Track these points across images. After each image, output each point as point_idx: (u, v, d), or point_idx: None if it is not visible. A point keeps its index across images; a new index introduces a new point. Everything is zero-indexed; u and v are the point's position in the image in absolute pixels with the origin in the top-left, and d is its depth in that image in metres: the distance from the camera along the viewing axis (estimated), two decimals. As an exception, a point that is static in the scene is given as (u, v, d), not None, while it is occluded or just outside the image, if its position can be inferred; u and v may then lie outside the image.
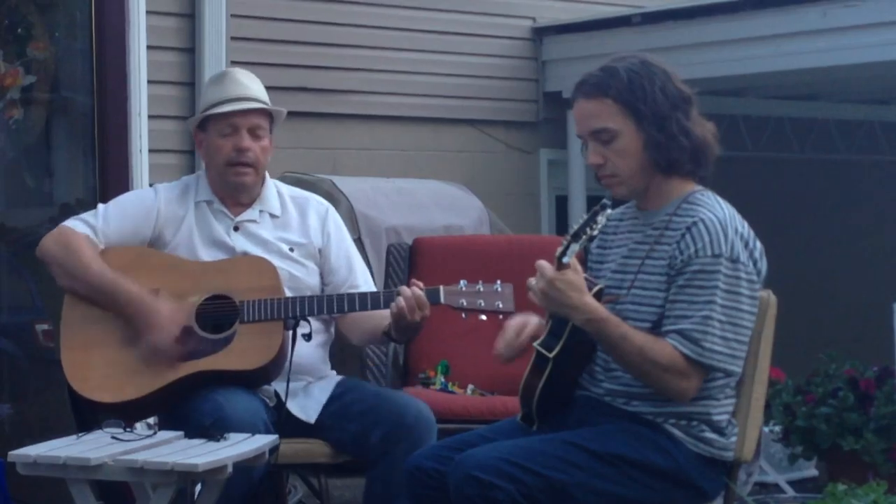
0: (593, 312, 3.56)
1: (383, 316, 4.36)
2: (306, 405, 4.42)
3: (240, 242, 4.50)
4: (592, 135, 3.69)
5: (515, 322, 3.85)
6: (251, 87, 4.52)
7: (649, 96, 3.62)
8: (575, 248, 3.54)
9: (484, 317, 4.24)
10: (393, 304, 4.23)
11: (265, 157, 4.51)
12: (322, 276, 4.56)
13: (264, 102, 4.51)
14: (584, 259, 3.80)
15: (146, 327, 4.31)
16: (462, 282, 4.25)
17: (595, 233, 3.55)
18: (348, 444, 4.38)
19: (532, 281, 3.59)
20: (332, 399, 4.43)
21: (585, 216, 3.56)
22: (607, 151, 3.67)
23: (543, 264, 3.57)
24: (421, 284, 4.26)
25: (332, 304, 4.34)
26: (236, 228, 4.52)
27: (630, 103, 3.63)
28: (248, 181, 4.49)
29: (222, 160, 4.48)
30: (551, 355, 3.67)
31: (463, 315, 4.25)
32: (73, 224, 4.50)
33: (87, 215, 4.53)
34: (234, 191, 4.50)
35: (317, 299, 4.36)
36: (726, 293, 3.57)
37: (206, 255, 4.47)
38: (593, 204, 3.60)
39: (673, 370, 3.54)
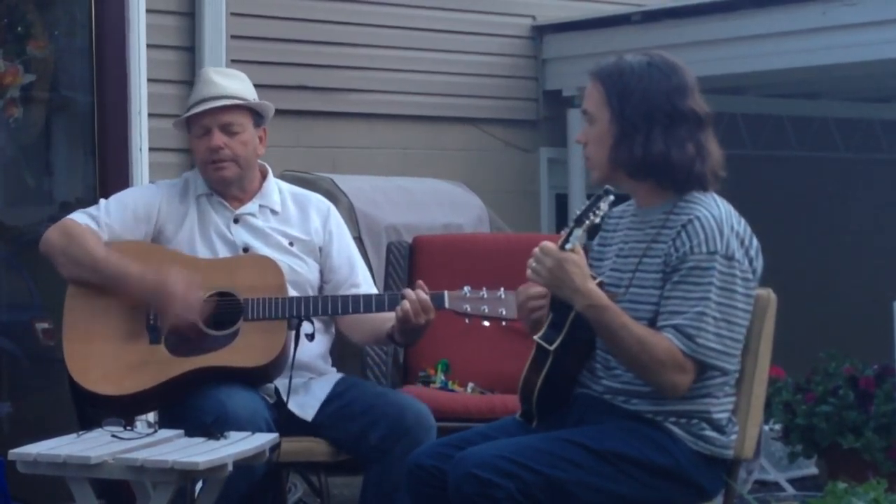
0: (597, 299, 3.57)
1: (385, 318, 4.37)
2: (305, 403, 4.42)
3: (240, 235, 4.51)
4: (582, 113, 3.76)
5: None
6: (223, 84, 4.53)
7: (628, 97, 3.64)
8: (578, 233, 3.55)
9: (487, 323, 4.25)
10: (398, 308, 4.24)
11: (246, 150, 4.51)
12: (322, 274, 4.57)
13: (235, 98, 4.51)
14: (586, 254, 3.80)
15: (166, 300, 4.30)
16: (466, 287, 4.26)
17: (598, 220, 3.56)
18: (347, 444, 4.38)
19: (534, 263, 3.59)
20: (332, 398, 4.44)
21: (588, 202, 3.58)
22: (589, 134, 3.71)
23: (550, 245, 3.58)
24: (425, 287, 4.27)
25: (336, 305, 4.36)
26: (236, 221, 4.53)
27: (610, 96, 3.66)
28: (227, 175, 4.51)
29: (200, 160, 4.53)
30: (552, 348, 3.67)
31: (466, 320, 4.27)
32: (76, 216, 4.52)
33: (89, 209, 4.55)
34: (220, 186, 4.52)
35: (321, 300, 4.37)
36: (721, 290, 3.57)
37: (208, 247, 4.49)
38: (593, 203, 3.62)
39: (669, 364, 3.54)
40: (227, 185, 4.52)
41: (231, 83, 4.54)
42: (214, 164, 4.48)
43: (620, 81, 3.66)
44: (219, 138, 4.47)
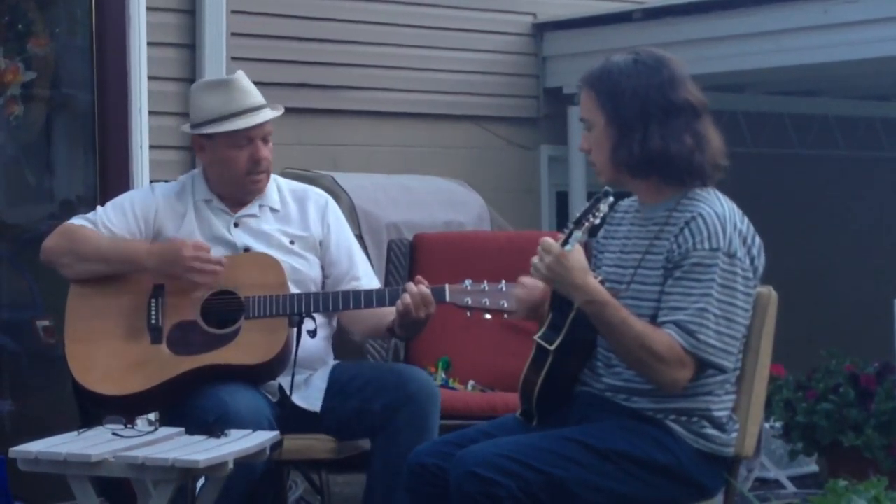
0: (597, 294, 3.57)
1: (385, 312, 4.37)
2: (309, 395, 4.43)
3: (241, 238, 4.51)
4: (580, 121, 3.77)
5: (529, 281, 3.83)
6: (255, 92, 4.55)
7: (619, 97, 3.65)
8: (577, 235, 3.56)
9: (488, 316, 4.24)
10: (399, 301, 4.25)
11: (272, 157, 4.56)
12: (323, 268, 4.57)
13: (271, 106, 4.54)
14: (588, 251, 3.80)
15: (177, 254, 4.32)
16: (467, 281, 4.26)
17: (597, 221, 3.57)
18: (352, 421, 4.38)
19: (535, 259, 3.59)
20: (332, 384, 4.45)
21: (588, 203, 3.58)
22: (590, 140, 3.72)
23: (550, 241, 3.58)
24: (426, 283, 4.27)
25: (337, 301, 4.36)
26: (237, 224, 4.53)
27: (602, 99, 3.67)
28: (263, 185, 4.55)
29: (239, 171, 4.50)
30: (552, 348, 3.67)
31: (467, 313, 4.26)
32: (73, 220, 4.53)
33: (86, 215, 4.57)
34: (249, 195, 4.53)
35: (322, 296, 4.37)
36: (722, 287, 3.57)
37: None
38: (593, 201, 3.62)
39: (668, 360, 3.55)
40: (257, 194, 4.53)
41: (255, 89, 4.57)
42: (253, 175, 4.49)
43: (610, 83, 3.66)
44: (263, 149, 4.48)
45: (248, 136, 4.48)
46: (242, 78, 4.60)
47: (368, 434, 4.37)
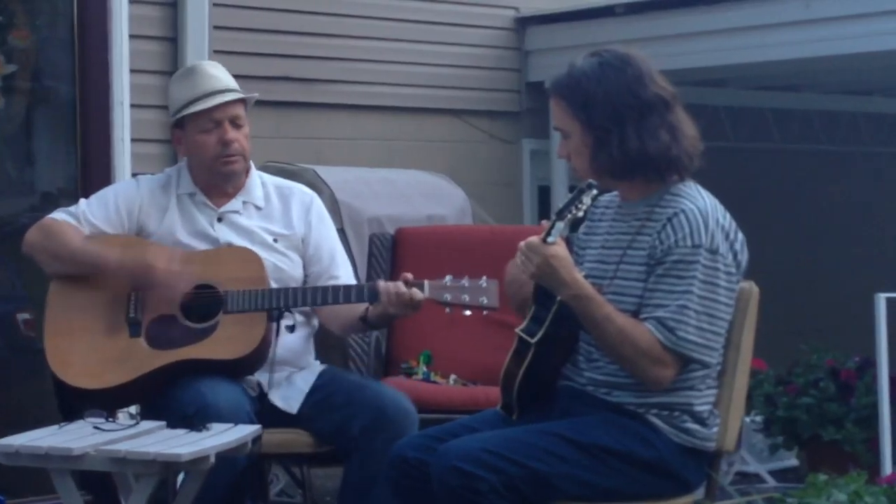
0: (581, 289, 3.58)
1: (358, 303, 4.36)
2: (289, 395, 4.42)
3: (224, 233, 4.49)
4: (555, 130, 3.77)
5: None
6: (222, 78, 4.51)
7: (591, 104, 3.64)
8: (560, 226, 3.56)
9: (468, 312, 4.23)
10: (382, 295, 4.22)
11: (248, 143, 4.51)
12: (304, 266, 4.55)
13: (240, 92, 4.50)
14: (569, 246, 3.80)
15: (148, 275, 4.30)
16: (447, 277, 4.24)
17: (580, 214, 3.56)
18: (329, 435, 4.38)
19: (522, 258, 3.58)
20: (315, 389, 4.43)
21: (570, 195, 3.59)
22: (569, 147, 3.72)
23: (535, 242, 3.57)
24: (410, 277, 4.25)
25: (315, 296, 4.35)
26: (220, 219, 4.51)
27: (574, 108, 3.67)
28: (238, 168, 4.49)
29: (209, 155, 4.47)
30: (533, 341, 3.67)
31: (447, 310, 4.25)
32: (55, 215, 4.52)
33: (69, 208, 4.55)
34: (225, 181, 4.50)
35: (300, 291, 4.36)
36: (704, 284, 3.58)
37: (190, 246, 4.47)
38: (575, 195, 3.62)
39: (649, 356, 3.56)
40: (233, 179, 4.50)
41: (226, 76, 4.53)
42: (226, 158, 4.45)
43: (579, 91, 3.66)
44: (231, 132, 4.45)
45: (213, 119, 4.45)
46: (208, 64, 4.60)
47: (342, 451, 4.34)
